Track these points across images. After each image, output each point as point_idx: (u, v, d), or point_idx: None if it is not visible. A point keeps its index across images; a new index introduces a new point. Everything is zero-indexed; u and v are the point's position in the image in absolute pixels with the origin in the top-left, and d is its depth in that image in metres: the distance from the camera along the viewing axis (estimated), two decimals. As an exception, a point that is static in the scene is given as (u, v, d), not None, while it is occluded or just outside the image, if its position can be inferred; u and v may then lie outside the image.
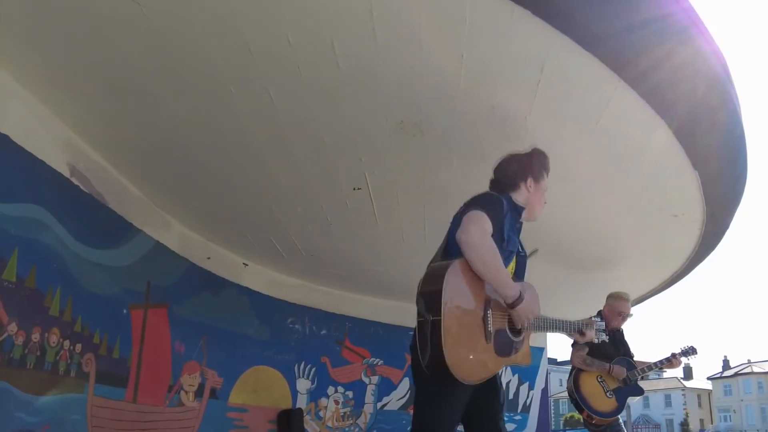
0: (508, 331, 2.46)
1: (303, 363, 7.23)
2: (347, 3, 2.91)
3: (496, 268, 2.33)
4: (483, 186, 4.75)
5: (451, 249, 2.42)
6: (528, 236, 3.12)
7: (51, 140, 3.96)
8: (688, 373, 65.32)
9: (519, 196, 2.78)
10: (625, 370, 4.83)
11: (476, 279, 2.34)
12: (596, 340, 2.95)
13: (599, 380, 4.88)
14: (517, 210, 2.75)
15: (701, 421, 61.85)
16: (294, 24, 3.03)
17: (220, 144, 4.28)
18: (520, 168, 2.85)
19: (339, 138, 4.07)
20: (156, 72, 3.47)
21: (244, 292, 6.54)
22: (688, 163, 4.32)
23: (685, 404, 61.54)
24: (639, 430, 59.89)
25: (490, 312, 2.36)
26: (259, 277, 6.70)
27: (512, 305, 2.38)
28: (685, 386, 62.70)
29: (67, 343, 4.07)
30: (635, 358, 5.18)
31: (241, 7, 2.93)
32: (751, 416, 56.89)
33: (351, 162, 4.38)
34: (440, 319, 2.18)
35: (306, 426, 7.02)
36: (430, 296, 2.25)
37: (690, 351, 5.18)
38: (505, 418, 9.20)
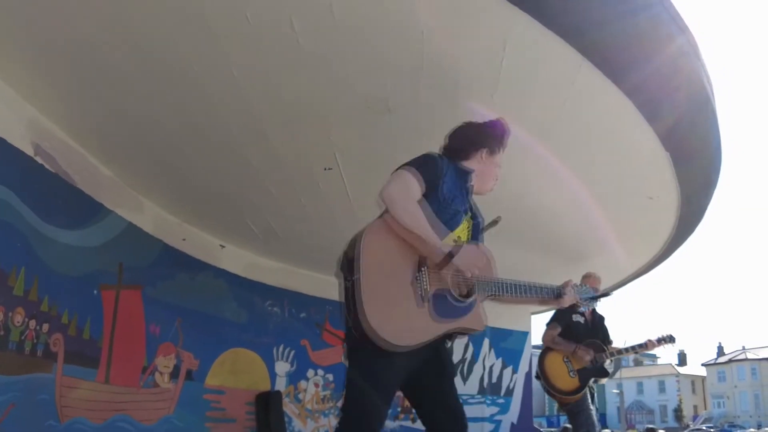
0: (451, 293, 2.32)
1: (282, 346, 7.22)
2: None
3: (418, 224, 2.22)
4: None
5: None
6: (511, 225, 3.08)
7: (14, 118, 3.91)
8: (682, 360, 65.74)
9: (470, 165, 2.62)
10: (591, 353, 4.83)
11: (404, 238, 2.25)
12: (581, 307, 2.75)
13: (565, 360, 4.90)
14: (465, 171, 2.58)
15: (695, 407, 62.27)
16: (251, 1, 3.00)
17: (189, 125, 4.25)
18: (477, 137, 2.66)
19: (306, 115, 4.04)
20: (120, 53, 3.44)
21: (221, 274, 6.52)
22: (659, 145, 4.30)
23: (679, 390, 61.91)
24: (632, 416, 60.30)
25: (425, 271, 2.25)
26: (237, 259, 6.67)
27: (439, 266, 2.24)
28: (679, 372, 63.06)
29: (32, 323, 4.05)
30: (613, 346, 5.16)
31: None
32: (744, 402, 57.27)
33: (320, 140, 4.34)
34: (359, 277, 2.10)
35: (285, 408, 7.04)
36: (350, 258, 2.17)
37: (667, 339, 5.16)
38: (488, 402, 9.14)
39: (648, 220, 5.85)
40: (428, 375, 2.37)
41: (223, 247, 6.56)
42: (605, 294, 2.78)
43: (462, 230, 2.49)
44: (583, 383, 4.78)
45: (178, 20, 3.15)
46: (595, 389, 5.17)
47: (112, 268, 5.10)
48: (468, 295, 2.34)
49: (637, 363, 60.52)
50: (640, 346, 5.08)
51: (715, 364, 61.55)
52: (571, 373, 4.85)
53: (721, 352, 63.00)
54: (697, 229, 6.39)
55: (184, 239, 6.03)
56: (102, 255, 4.90)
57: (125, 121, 4.29)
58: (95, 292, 4.85)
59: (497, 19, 3.08)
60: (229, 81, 3.65)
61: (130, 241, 5.28)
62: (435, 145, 4.31)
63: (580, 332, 5.05)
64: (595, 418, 4.83)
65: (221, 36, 3.26)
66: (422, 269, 2.23)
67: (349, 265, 2.18)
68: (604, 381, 5.08)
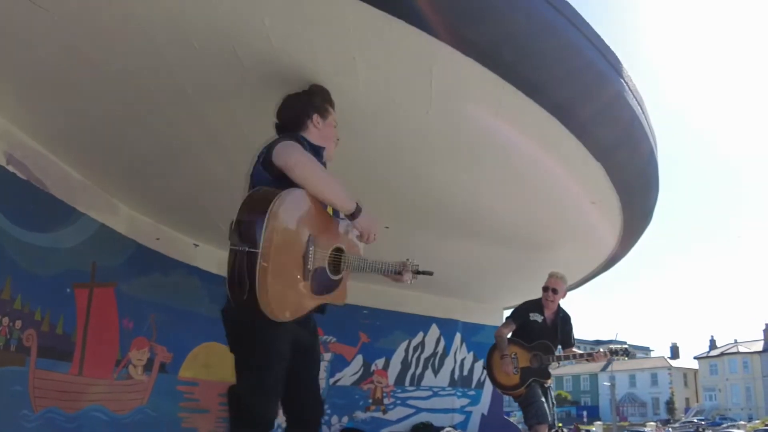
0: (327, 269, 2.43)
1: (254, 340, 7.52)
2: (241, 15, 3.16)
3: (328, 180, 2.32)
4: (426, 185, 5.01)
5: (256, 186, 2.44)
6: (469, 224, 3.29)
7: (-13, 131, 4.22)
8: (674, 353, 66.21)
9: (311, 136, 2.69)
10: (511, 368, 5.09)
11: (302, 214, 2.29)
12: (409, 282, 2.80)
13: (513, 356, 5.18)
14: (317, 150, 2.65)
15: (687, 399, 62.82)
16: (196, 31, 3.29)
17: (152, 139, 4.55)
18: (303, 106, 2.79)
19: (257, 128, 4.32)
20: (77, 72, 3.73)
21: (194, 271, 6.81)
22: (590, 156, 4.61)
23: (671, 383, 62.47)
24: (625, 408, 60.80)
25: (312, 249, 2.29)
26: (210, 257, 6.94)
27: (354, 216, 2.35)
28: (671, 365, 63.58)
29: (5, 320, 4.36)
30: (572, 349, 5.38)
31: (144, 13, 3.17)
32: (736, 395, 57.79)
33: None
34: (258, 252, 2.09)
35: (257, 399, 7.35)
36: (249, 224, 2.15)
37: (621, 352, 5.40)
38: (459, 394, 9.47)
39: (597, 223, 6.16)
40: (304, 362, 2.56)
41: (196, 245, 6.87)
42: (428, 272, 2.80)
43: (330, 210, 2.58)
44: (523, 381, 5.08)
45: (130, 47, 3.44)
46: (550, 385, 5.44)
47: (86, 267, 5.41)
48: (338, 272, 2.49)
49: (630, 356, 61.02)
50: (590, 355, 5.33)
51: (707, 357, 62.04)
52: (514, 370, 5.14)
53: (713, 345, 63.52)
54: (647, 229, 6.73)
55: (157, 239, 6.34)
56: (75, 255, 5.21)
57: (90, 134, 4.58)
58: (68, 290, 5.16)
59: (420, 47, 3.36)
60: (185, 101, 3.96)
61: (103, 242, 5.59)
62: (383, 159, 4.65)
63: (535, 332, 5.30)
64: (546, 409, 5.09)
65: (173, 63, 3.55)
66: (311, 247, 2.30)
67: (244, 232, 2.18)
68: (549, 383, 5.33)
